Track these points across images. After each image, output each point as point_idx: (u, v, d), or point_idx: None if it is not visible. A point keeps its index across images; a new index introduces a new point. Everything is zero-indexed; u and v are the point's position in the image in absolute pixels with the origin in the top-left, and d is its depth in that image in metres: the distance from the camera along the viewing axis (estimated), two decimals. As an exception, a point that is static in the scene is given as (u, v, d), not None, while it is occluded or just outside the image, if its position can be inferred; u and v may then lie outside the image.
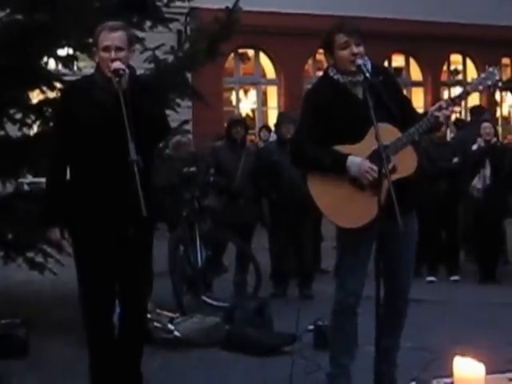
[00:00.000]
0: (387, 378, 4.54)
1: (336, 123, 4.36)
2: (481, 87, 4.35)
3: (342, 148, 4.37)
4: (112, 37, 4.33)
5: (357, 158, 4.32)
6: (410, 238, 4.52)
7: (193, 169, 8.13)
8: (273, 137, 12.24)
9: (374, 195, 4.20)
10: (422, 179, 4.36)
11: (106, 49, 4.33)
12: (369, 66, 4.37)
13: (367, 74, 4.25)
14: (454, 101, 4.34)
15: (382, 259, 4.19)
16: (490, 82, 4.29)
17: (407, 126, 4.31)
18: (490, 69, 4.32)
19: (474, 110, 12.29)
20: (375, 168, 4.22)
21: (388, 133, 4.27)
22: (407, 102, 4.70)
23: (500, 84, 4.27)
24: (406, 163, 4.32)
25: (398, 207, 3.93)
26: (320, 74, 4.86)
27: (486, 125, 9.23)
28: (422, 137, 4.65)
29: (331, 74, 4.46)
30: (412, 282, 4.65)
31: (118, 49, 4.32)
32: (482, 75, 4.33)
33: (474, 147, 9.02)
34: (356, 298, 4.53)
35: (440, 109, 4.29)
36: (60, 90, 6.83)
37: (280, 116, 9.22)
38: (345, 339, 4.60)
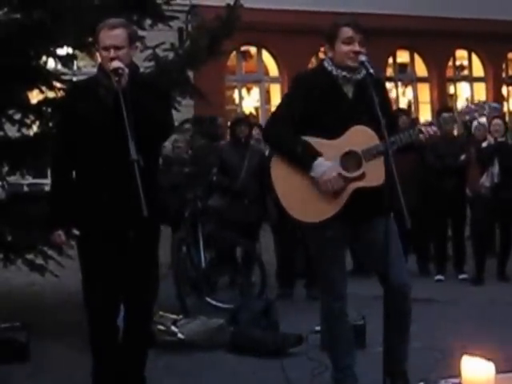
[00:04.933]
0: (400, 378, 4.43)
1: (318, 115, 4.29)
2: (467, 117, 4.54)
3: (317, 142, 4.28)
4: (111, 35, 4.29)
5: (327, 163, 4.24)
6: (392, 236, 4.26)
7: (194, 169, 8.06)
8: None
9: (334, 197, 4.24)
10: (388, 187, 4.32)
11: (106, 47, 4.30)
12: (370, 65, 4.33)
13: (371, 70, 4.20)
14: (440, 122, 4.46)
15: (369, 260, 4.28)
16: (476, 115, 4.48)
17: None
18: (482, 103, 4.53)
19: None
20: (341, 182, 4.20)
21: (367, 137, 4.24)
22: (388, 106, 4.58)
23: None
24: (375, 173, 4.24)
25: (364, 212, 4.17)
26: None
27: (495, 121, 9.02)
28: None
29: (326, 65, 4.41)
30: (411, 278, 4.53)
31: (117, 47, 4.27)
32: (472, 106, 4.49)
33: (484, 144, 8.91)
34: (342, 300, 4.51)
35: (425, 126, 4.31)
36: (63, 90, 6.79)
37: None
38: (341, 341, 4.57)
